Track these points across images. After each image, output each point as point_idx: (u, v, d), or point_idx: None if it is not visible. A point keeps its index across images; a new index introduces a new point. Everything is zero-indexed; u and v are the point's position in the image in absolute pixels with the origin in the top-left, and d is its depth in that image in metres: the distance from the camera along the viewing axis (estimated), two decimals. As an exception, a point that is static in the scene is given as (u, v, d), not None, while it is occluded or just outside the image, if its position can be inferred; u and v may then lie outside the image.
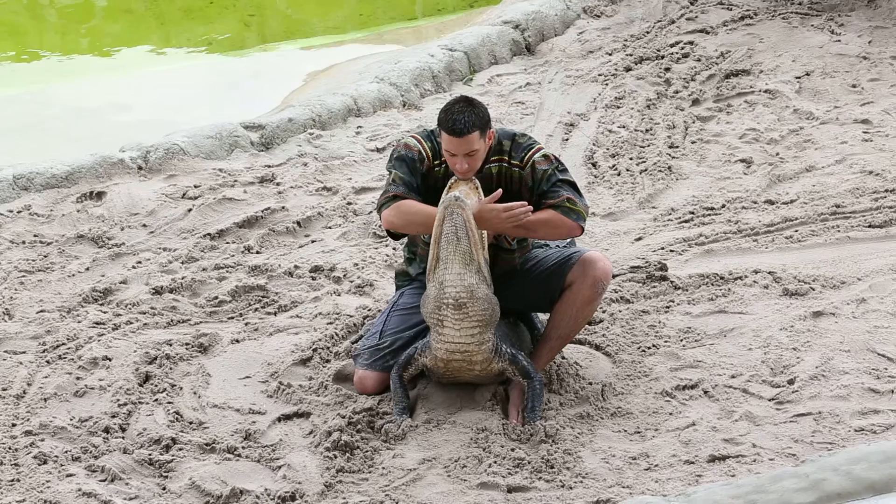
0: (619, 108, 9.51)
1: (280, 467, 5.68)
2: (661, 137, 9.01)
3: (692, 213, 7.96)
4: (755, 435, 5.77)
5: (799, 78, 9.85)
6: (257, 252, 7.64)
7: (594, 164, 8.70)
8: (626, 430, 5.88)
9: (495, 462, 5.62)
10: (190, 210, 8.09)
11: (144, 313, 6.95)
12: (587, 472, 5.58)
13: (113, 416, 6.02)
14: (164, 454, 5.76)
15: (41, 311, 6.98)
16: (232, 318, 6.94)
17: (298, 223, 7.94)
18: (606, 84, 9.91)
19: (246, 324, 6.85)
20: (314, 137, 9.12)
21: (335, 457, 5.70)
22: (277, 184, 8.47)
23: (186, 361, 6.51)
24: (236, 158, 8.83)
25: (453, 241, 5.73)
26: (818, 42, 10.48)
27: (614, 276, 7.02)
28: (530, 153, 6.05)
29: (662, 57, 10.29)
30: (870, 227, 7.61)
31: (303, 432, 5.93)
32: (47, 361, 6.50)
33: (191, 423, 6.01)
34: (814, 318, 6.67)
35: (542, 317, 6.47)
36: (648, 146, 8.90)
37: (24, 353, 6.60)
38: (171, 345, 6.60)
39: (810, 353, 6.37)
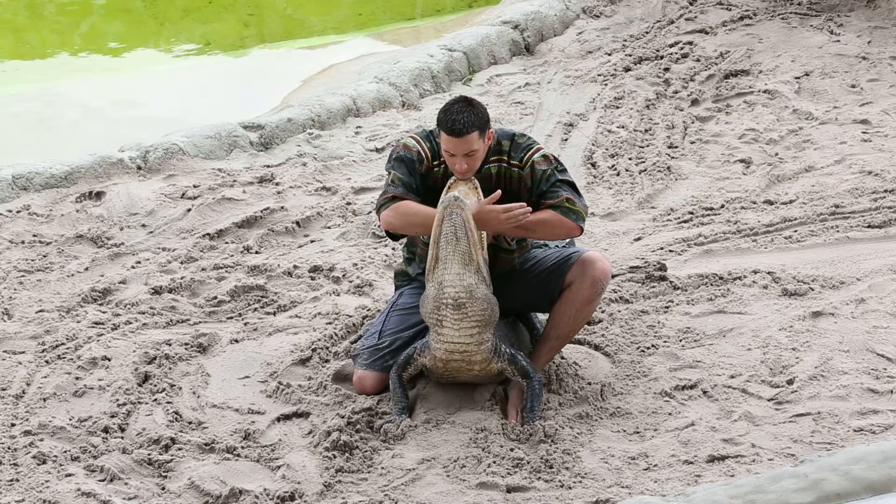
0: (618, 108, 9.50)
1: (279, 467, 5.68)
2: (660, 137, 9.01)
3: (691, 213, 7.95)
4: (754, 435, 5.77)
5: (798, 78, 9.85)
6: (256, 252, 7.63)
7: (593, 165, 8.69)
8: (625, 430, 5.87)
9: (494, 462, 5.62)
10: (189, 210, 8.08)
11: (144, 313, 6.94)
12: (586, 472, 5.57)
13: (112, 416, 6.02)
14: (163, 454, 5.75)
15: (40, 311, 6.97)
16: (231, 318, 6.93)
17: (298, 223, 7.94)
18: (606, 84, 9.90)
19: (245, 324, 6.84)
20: (313, 137, 9.11)
21: (334, 457, 5.70)
22: (277, 184, 8.46)
23: (186, 361, 6.50)
24: (235, 158, 8.82)
25: (452, 242, 5.73)
26: (817, 42, 10.48)
27: (613, 277, 7.01)
28: (529, 153, 6.05)
29: (662, 57, 10.29)
30: (869, 227, 7.61)
31: (302, 432, 5.93)
32: (46, 361, 6.49)
33: (190, 423, 6.00)
34: (813, 318, 6.67)
35: (542, 317, 6.46)
36: (648, 146, 8.89)
37: (23, 352, 6.59)
38: (170, 345, 6.60)
39: (809, 353, 6.36)
